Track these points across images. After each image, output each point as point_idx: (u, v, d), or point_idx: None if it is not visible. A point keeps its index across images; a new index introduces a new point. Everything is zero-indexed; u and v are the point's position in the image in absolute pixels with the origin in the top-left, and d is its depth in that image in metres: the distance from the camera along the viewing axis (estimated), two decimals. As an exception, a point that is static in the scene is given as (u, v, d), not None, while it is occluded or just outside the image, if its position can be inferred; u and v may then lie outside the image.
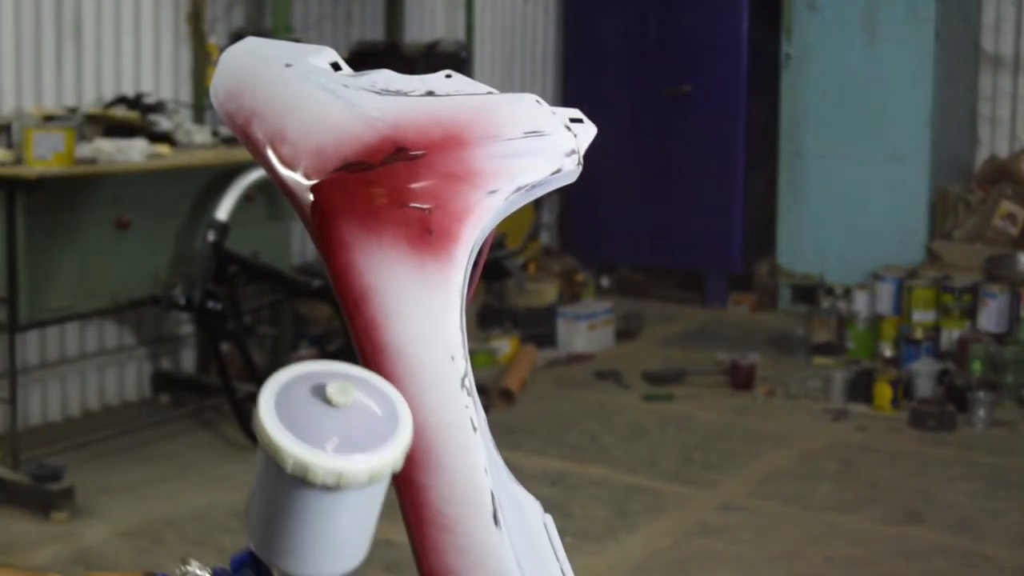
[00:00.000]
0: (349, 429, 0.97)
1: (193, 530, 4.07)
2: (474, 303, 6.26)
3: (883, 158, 6.86)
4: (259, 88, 1.18)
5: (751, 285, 7.41)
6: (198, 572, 1.10)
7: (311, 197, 1.12)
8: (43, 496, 4.17)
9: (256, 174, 4.59)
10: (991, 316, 5.88)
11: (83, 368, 5.22)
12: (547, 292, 6.69)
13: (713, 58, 7.36)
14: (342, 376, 1.00)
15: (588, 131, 1.19)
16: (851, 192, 6.94)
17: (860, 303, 6.36)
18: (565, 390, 5.79)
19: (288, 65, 1.18)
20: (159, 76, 5.47)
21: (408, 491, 1.11)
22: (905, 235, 6.79)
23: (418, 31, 6.87)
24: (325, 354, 5.25)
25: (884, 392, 5.47)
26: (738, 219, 7.39)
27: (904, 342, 5.92)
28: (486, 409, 1.18)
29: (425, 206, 1.10)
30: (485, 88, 1.21)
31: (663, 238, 7.55)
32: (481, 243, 1.15)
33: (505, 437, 4.91)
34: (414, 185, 1.11)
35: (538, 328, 6.42)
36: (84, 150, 4.44)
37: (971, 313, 5.95)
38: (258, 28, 5.83)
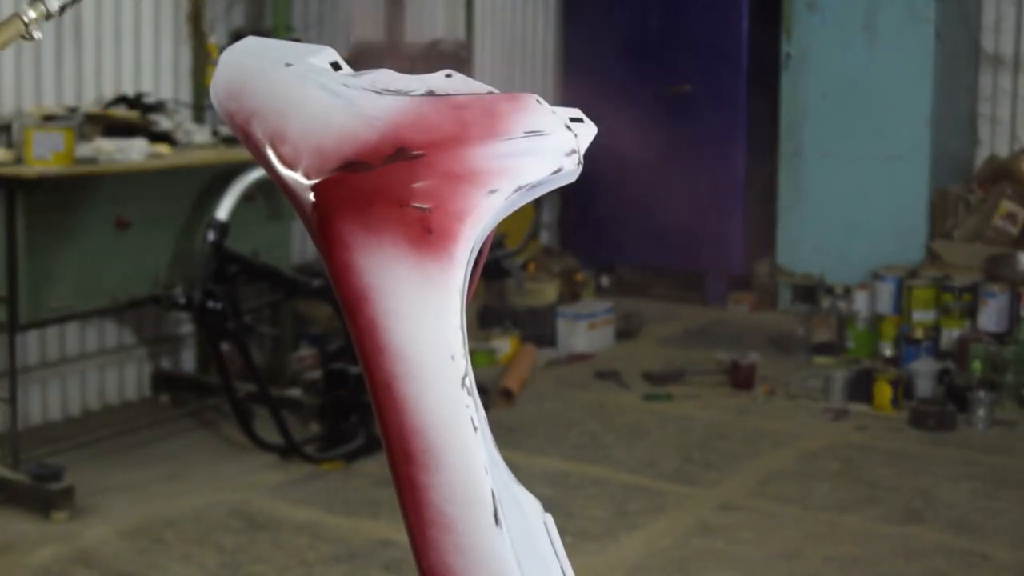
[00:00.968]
0: None
1: (193, 530, 4.07)
2: (474, 303, 6.26)
3: (883, 158, 6.86)
4: (259, 88, 1.18)
5: (751, 285, 7.42)
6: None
7: (311, 197, 1.12)
8: (43, 496, 4.17)
9: (256, 174, 4.59)
10: (991, 316, 5.88)
11: (83, 368, 5.22)
12: (547, 292, 6.69)
13: (713, 58, 7.36)
14: None
15: (588, 131, 1.19)
16: (851, 192, 6.94)
17: (860, 303, 6.36)
18: (565, 390, 5.79)
19: (288, 65, 1.18)
20: (159, 76, 5.47)
21: (408, 491, 1.11)
22: (905, 235, 6.79)
23: (418, 31, 6.87)
24: (325, 354, 5.25)
25: (884, 392, 5.47)
26: (738, 219, 7.39)
27: (904, 342, 5.92)
28: (486, 409, 1.19)
29: (425, 206, 1.10)
30: (485, 88, 1.21)
31: (663, 238, 7.55)
32: (481, 243, 1.15)
33: (505, 437, 4.91)
34: (414, 185, 1.11)
35: (538, 328, 6.42)
36: (84, 150, 4.44)
37: (971, 313, 5.95)
38: (258, 28, 5.83)
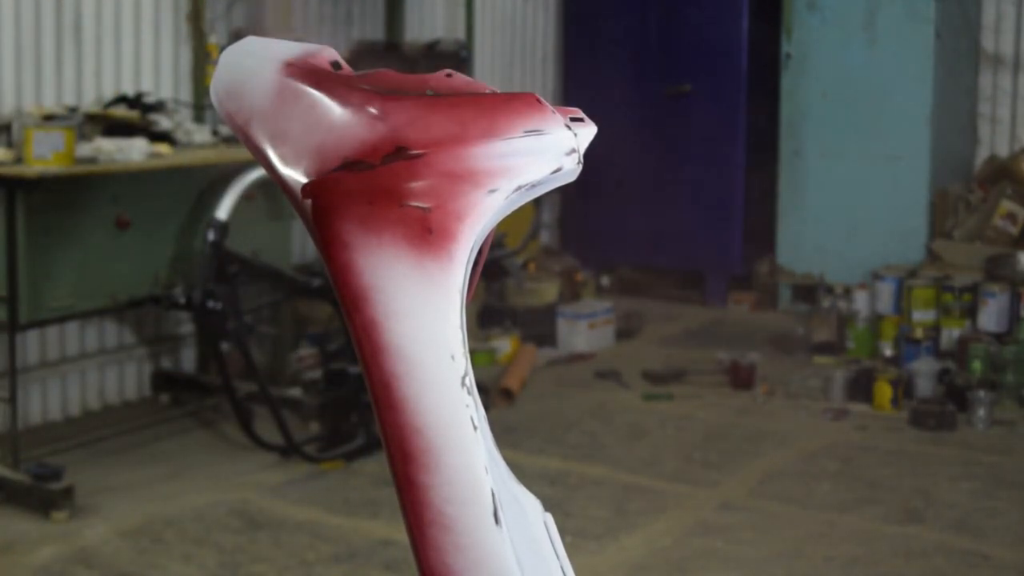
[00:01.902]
0: None
1: (193, 530, 4.07)
2: (474, 303, 6.26)
3: (883, 158, 6.86)
4: (259, 88, 1.18)
5: (751, 285, 7.42)
6: None
7: (311, 196, 1.12)
8: (43, 496, 4.17)
9: (256, 174, 4.59)
10: (991, 316, 5.88)
11: (83, 368, 5.22)
12: (547, 291, 6.69)
13: (713, 58, 7.36)
14: None
15: (588, 130, 1.20)
16: (851, 192, 6.94)
17: (860, 303, 6.36)
18: (565, 390, 5.79)
19: (288, 64, 1.18)
20: (159, 76, 5.47)
21: (408, 491, 1.11)
22: (905, 235, 6.79)
23: (418, 31, 6.88)
24: (325, 354, 5.25)
25: (884, 392, 5.47)
26: (738, 219, 7.39)
27: (904, 342, 5.92)
28: (486, 408, 1.19)
29: (425, 205, 1.10)
30: (485, 88, 1.22)
31: (663, 238, 7.55)
32: (481, 242, 1.15)
33: (505, 437, 4.91)
34: (414, 184, 1.11)
35: (538, 327, 6.42)
36: (84, 149, 4.44)
37: (971, 313, 5.95)
38: (258, 28, 5.83)
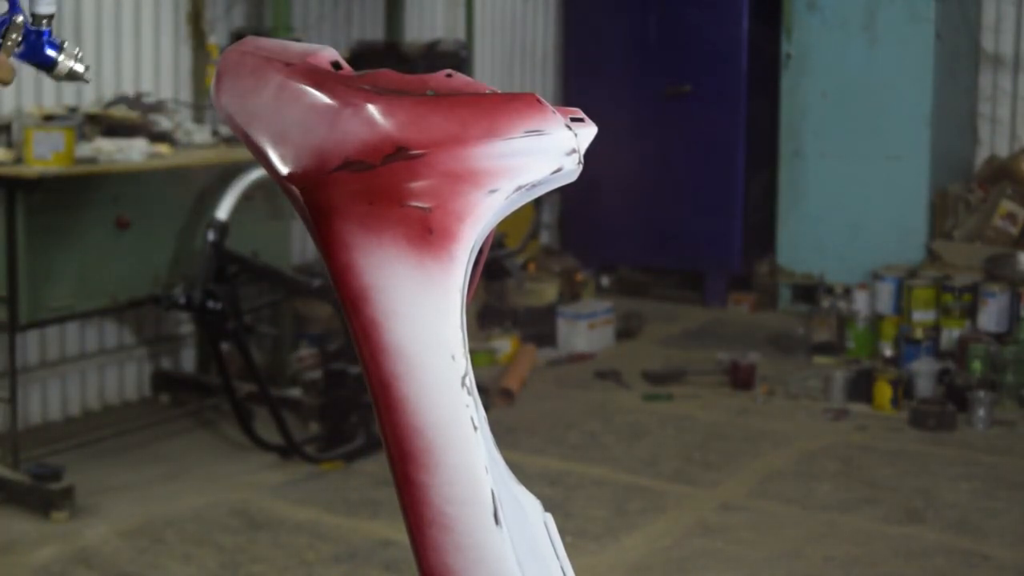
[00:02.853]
0: None
1: (193, 530, 4.07)
2: (474, 303, 6.26)
3: (883, 158, 6.86)
4: (259, 88, 1.18)
5: (751, 285, 7.42)
6: None
7: (312, 197, 1.12)
8: (43, 496, 4.17)
9: (256, 174, 4.59)
10: (991, 316, 5.88)
11: (83, 368, 5.22)
12: (547, 292, 6.69)
13: (713, 58, 7.36)
14: None
15: (588, 130, 1.20)
16: (851, 192, 6.94)
17: (860, 303, 6.36)
18: (565, 390, 5.79)
19: (289, 65, 1.19)
20: (159, 76, 5.47)
21: (408, 491, 1.11)
22: (905, 235, 6.79)
23: (418, 31, 6.87)
24: (325, 354, 5.25)
25: (884, 392, 5.47)
26: (738, 219, 7.39)
27: (904, 342, 5.92)
28: (486, 408, 1.19)
29: (425, 205, 1.10)
30: (485, 88, 1.22)
31: (663, 238, 7.55)
32: (481, 242, 1.15)
33: (505, 437, 4.91)
34: (414, 184, 1.11)
35: (538, 328, 6.42)
36: (84, 150, 4.44)
37: (971, 313, 5.95)
38: (258, 28, 5.84)
